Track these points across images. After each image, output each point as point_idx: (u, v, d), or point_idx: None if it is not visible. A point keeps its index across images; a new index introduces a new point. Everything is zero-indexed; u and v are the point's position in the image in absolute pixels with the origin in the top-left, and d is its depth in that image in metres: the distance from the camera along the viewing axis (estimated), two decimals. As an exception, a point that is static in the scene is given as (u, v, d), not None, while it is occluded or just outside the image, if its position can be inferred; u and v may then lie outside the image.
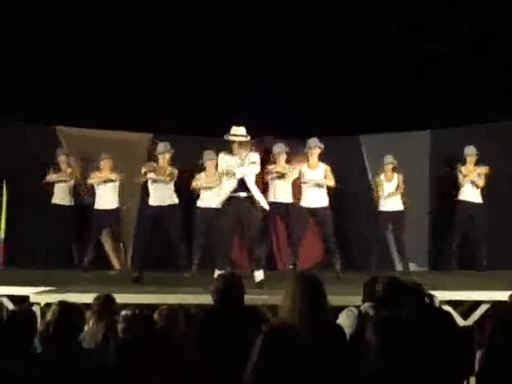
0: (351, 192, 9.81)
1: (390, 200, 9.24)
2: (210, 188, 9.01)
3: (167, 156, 8.62)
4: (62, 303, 4.18)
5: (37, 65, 9.95)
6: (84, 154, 10.05)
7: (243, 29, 10.18)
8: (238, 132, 7.41)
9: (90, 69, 10.11)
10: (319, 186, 8.66)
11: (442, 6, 9.78)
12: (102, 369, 3.66)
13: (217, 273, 6.90)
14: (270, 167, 9.01)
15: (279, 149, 9.06)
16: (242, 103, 9.82)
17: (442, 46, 9.94)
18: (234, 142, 7.38)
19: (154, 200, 8.50)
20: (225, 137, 7.44)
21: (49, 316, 4.05)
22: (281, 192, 9.01)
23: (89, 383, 3.53)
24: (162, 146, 8.68)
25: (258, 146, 9.75)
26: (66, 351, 3.75)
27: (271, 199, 8.95)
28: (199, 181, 9.18)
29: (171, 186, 8.61)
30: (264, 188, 9.18)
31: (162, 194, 8.49)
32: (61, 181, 9.70)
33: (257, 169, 7.47)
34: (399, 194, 9.26)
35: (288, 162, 9.11)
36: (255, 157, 7.45)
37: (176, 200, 8.63)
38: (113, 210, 9.56)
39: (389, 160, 9.24)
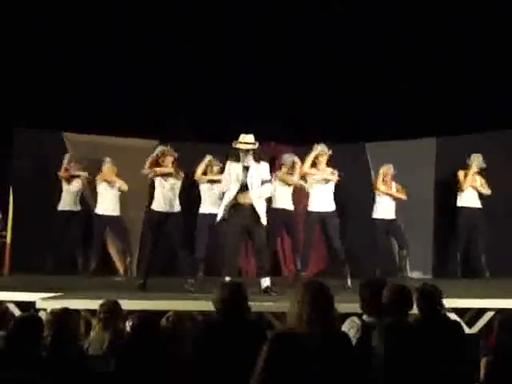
0: (356, 199, 9.80)
1: (386, 208, 9.29)
2: (213, 181, 8.99)
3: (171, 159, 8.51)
4: (52, 312, 4.23)
5: (43, 72, 10.01)
6: (90, 160, 10.07)
7: (250, 35, 10.23)
8: (246, 139, 7.43)
9: (97, 75, 10.16)
10: (327, 184, 8.62)
11: (447, 11, 9.81)
12: (105, 375, 3.67)
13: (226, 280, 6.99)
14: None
15: (284, 160, 9.04)
16: (250, 109, 9.87)
17: (449, 53, 9.96)
18: (242, 149, 7.40)
19: (157, 205, 8.40)
20: (233, 144, 7.47)
21: (46, 325, 4.07)
22: (285, 199, 9.01)
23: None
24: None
25: (264, 152, 9.80)
26: (67, 358, 3.77)
27: (275, 205, 8.97)
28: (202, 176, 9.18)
29: (176, 192, 8.53)
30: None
31: (166, 200, 8.38)
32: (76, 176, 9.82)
33: (268, 182, 7.56)
34: (394, 201, 9.32)
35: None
36: (266, 170, 7.52)
37: (178, 207, 8.54)
38: (114, 217, 9.65)
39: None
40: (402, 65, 10.06)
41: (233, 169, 7.43)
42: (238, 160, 7.45)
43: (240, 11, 10.16)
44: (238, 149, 7.42)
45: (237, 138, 7.46)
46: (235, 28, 10.20)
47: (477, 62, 9.72)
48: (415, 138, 9.95)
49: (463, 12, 9.65)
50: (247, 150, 7.37)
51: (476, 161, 9.29)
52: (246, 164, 7.39)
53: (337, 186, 8.73)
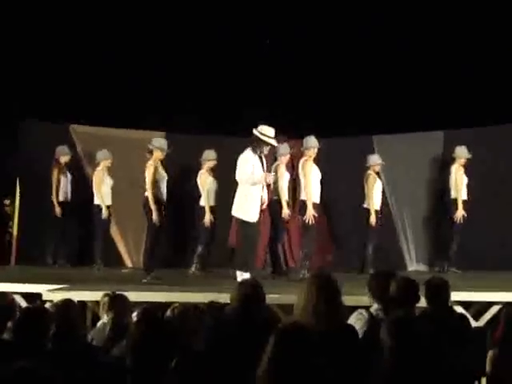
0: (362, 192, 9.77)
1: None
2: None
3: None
4: (54, 304, 4.25)
5: (50, 64, 10.02)
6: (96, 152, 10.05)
7: (254, 29, 10.23)
8: (272, 134, 7.32)
9: (104, 68, 10.18)
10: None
11: (453, 7, 9.77)
12: (108, 366, 3.67)
13: (239, 275, 7.03)
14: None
15: (283, 150, 8.91)
16: (258, 101, 9.86)
17: (457, 46, 9.92)
18: (271, 144, 7.31)
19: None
20: (261, 137, 7.25)
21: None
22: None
23: (94, 381, 3.55)
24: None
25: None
26: (71, 348, 3.79)
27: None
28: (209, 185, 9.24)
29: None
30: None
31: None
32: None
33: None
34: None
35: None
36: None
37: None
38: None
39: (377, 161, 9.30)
40: (409, 57, 10.03)
41: (253, 161, 7.29)
42: (255, 152, 7.32)
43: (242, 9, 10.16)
44: (266, 143, 7.29)
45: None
46: (237, 24, 10.20)
47: (485, 55, 9.67)
48: (423, 130, 9.93)
49: (465, 10, 9.62)
50: (269, 145, 7.30)
51: (460, 152, 9.25)
52: (261, 155, 7.33)
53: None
